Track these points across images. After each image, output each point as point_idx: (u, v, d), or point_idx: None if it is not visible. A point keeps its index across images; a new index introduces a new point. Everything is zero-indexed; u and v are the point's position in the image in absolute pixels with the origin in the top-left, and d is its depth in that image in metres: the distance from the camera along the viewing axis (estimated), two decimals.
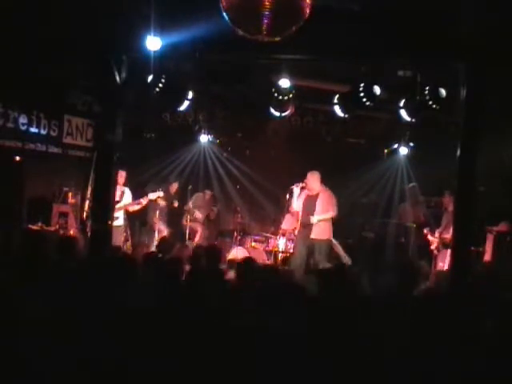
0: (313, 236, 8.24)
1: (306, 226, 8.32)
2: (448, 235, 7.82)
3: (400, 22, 6.18)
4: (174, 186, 10.24)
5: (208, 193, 10.78)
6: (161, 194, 9.11)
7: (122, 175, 8.39)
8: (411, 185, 10.06)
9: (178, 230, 10.23)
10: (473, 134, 6.33)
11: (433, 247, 8.42)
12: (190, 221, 10.11)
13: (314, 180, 8.34)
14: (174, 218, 10.25)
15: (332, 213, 8.29)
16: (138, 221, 10.13)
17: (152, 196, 8.99)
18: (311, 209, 8.30)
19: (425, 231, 8.71)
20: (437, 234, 8.37)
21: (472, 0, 6.02)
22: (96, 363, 3.04)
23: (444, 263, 7.89)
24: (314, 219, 8.19)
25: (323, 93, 8.70)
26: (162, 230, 9.67)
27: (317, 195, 8.32)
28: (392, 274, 5.13)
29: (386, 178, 10.56)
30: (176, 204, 10.12)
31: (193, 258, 5.72)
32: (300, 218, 8.43)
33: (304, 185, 8.36)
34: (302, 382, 2.96)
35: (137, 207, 9.02)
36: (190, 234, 10.13)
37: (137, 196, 9.11)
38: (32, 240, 5.37)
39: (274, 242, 9.89)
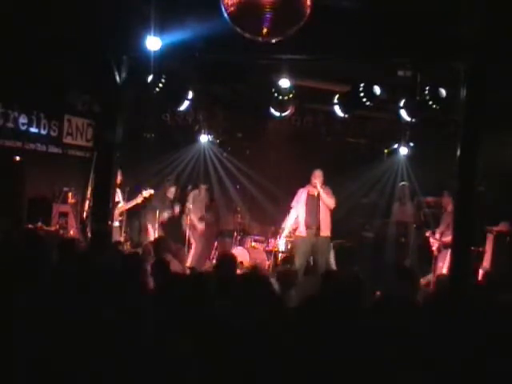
0: (322, 234, 8.40)
1: (311, 226, 8.38)
2: (449, 238, 7.85)
3: (400, 22, 6.18)
4: (171, 191, 9.95)
5: (203, 187, 10.47)
6: (152, 191, 9.16)
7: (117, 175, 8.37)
8: (401, 184, 10.08)
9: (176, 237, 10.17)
10: (473, 133, 6.33)
11: (434, 248, 8.41)
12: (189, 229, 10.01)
13: (320, 178, 8.47)
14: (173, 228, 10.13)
15: (334, 202, 8.49)
16: (138, 222, 10.12)
17: (146, 193, 9.05)
18: (315, 208, 8.37)
19: (427, 234, 8.72)
20: (437, 236, 8.37)
21: (472, 0, 6.02)
22: (96, 363, 3.04)
23: (444, 263, 7.89)
24: (318, 187, 8.36)
25: (323, 93, 8.70)
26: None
27: (318, 194, 8.42)
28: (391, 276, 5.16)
29: (385, 177, 10.56)
30: (177, 210, 9.91)
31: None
32: (304, 219, 8.47)
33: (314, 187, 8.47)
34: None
35: (131, 205, 9.07)
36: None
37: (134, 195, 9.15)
38: (32, 240, 5.36)
39: (273, 242, 9.89)
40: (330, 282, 4.85)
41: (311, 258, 8.68)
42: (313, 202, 8.44)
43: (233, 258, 5.37)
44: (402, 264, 8.66)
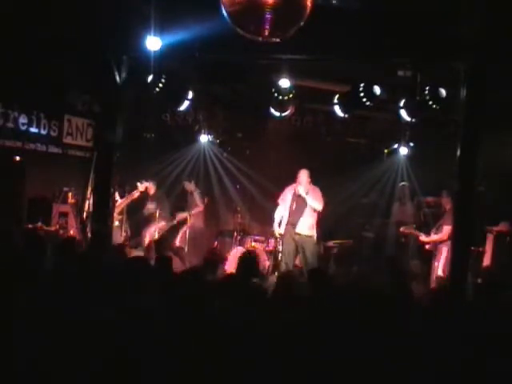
0: (298, 231, 8.30)
1: (294, 224, 8.35)
2: (435, 236, 7.98)
3: (400, 22, 6.18)
4: (151, 188, 9.67)
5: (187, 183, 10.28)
6: (147, 184, 9.17)
7: None
8: (401, 184, 10.10)
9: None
10: (473, 133, 6.33)
11: (427, 247, 8.44)
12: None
13: (306, 177, 8.38)
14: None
15: (321, 205, 8.35)
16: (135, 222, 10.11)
17: (141, 187, 9.06)
18: (301, 206, 8.33)
19: (401, 229, 8.81)
20: (432, 234, 8.39)
21: (472, 0, 6.02)
22: (96, 363, 3.04)
23: (439, 262, 7.90)
24: (301, 191, 8.23)
25: (323, 93, 8.70)
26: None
27: (306, 192, 8.35)
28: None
29: (386, 177, 10.56)
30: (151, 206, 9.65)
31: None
32: (288, 217, 8.42)
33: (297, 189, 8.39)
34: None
35: (127, 201, 9.08)
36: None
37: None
38: (32, 240, 5.37)
39: (274, 242, 9.88)
40: (318, 281, 4.90)
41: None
42: (300, 201, 8.34)
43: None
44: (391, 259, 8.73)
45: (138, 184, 9.17)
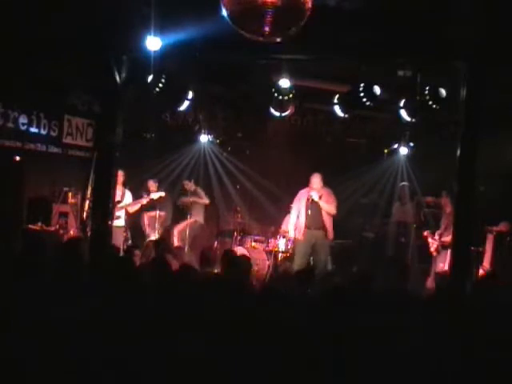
0: (317, 234, 8.48)
1: (312, 227, 8.42)
2: (447, 238, 7.92)
3: (400, 22, 6.17)
4: (152, 186, 9.57)
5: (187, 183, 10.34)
6: (162, 193, 9.11)
7: (120, 175, 8.29)
8: (401, 184, 10.10)
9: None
10: (473, 133, 6.33)
11: (432, 249, 8.44)
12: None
13: (319, 182, 8.54)
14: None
15: (334, 209, 8.57)
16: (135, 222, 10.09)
17: (154, 196, 8.98)
18: (317, 210, 8.40)
19: (425, 233, 8.76)
20: (437, 236, 8.39)
21: (472, 0, 6.02)
22: (95, 364, 3.04)
23: (444, 264, 7.91)
24: (314, 196, 8.39)
25: (323, 93, 8.70)
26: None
27: (320, 197, 8.45)
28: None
29: (386, 177, 10.56)
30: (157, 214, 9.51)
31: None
32: (305, 221, 8.50)
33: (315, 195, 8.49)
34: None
35: (136, 207, 9.01)
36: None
37: (137, 196, 9.11)
38: (32, 240, 5.36)
39: (274, 242, 9.89)
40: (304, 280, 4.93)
41: (311, 258, 8.70)
42: (314, 206, 8.50)
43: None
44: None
45: (152, 194, 9.02)
